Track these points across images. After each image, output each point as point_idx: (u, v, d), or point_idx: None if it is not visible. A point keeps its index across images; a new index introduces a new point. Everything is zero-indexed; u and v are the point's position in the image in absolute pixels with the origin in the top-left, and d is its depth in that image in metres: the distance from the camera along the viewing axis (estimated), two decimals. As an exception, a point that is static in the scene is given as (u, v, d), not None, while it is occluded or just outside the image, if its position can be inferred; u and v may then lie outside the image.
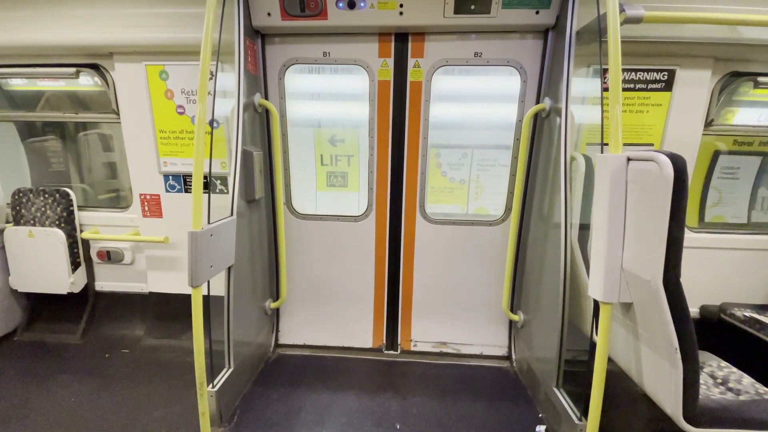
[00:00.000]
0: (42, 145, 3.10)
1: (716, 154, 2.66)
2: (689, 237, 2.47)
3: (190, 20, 2.29)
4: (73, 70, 2.58)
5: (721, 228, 2.65)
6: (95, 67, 2.58)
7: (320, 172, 2.69)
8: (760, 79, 2.30)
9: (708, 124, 2.37)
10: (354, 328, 2.83)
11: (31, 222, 2.79)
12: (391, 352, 2.80)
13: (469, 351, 2.77)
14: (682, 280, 1.34)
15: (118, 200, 3.11)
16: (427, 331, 2.80)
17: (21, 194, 2.80)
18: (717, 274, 2.56)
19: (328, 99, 2.60)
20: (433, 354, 2.78)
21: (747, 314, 2.29)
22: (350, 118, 2.60)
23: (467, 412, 2.19)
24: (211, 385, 1.97)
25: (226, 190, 2.67)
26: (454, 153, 2.60)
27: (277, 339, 2.84)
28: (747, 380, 1.69)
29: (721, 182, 2.73)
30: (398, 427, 2.07)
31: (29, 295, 2.96)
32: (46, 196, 2.77)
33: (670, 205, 1.26)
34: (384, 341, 2.83)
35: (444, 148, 2.59)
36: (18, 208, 2.80)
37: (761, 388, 1.64)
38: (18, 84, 2.86)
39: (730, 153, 2.65)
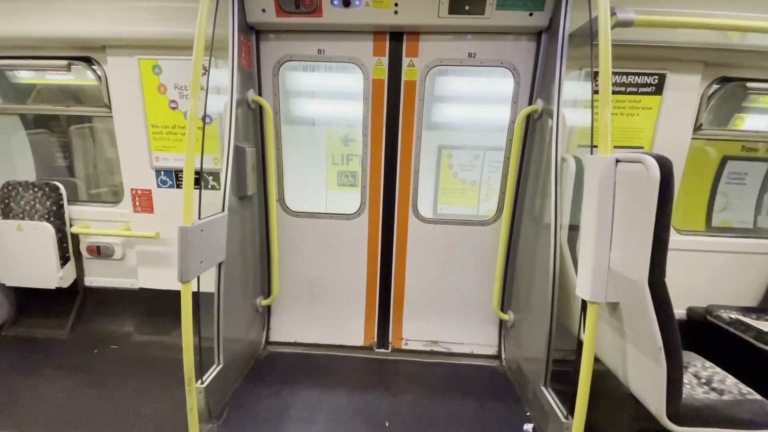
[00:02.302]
0: (47, 138, 3.06)
1: (724, 159, 2.70)
2: (677, 239, 2.51)
3: (184, 14, 2.28)
4: (64, 62, 2.55)
5: (709, 231, 2.69)
6: (87, 60, 2.56)
7: (331, 171, 2.69)
8: (749, 84, 2.34)
9: (697, 128, 2.40)
10: (345, 327, 2.83)
11: (20, 216, 2.76)
12: (383, 350, 2.81)
13: (459, 350, 2.78)
14: (669, 281, 1.35)
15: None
16: (419, 330, 2.81)
17: (10, 187, 2.76)
18: (704, 277, 2.59)
19: (341, 98, 2.60)
20: (423, 353, 2.79)
21: (733, 316, 2.33)
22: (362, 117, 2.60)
23: (457, 410, 2.20)
24: (200, 382, 1.96)
25: (218, 186, 2.66)
26: (465, 154, 2.62)
27: (267, 336, 2.84)
28: (731, 380, 1.72)
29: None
30: (388, 424, 2.07)
31: (17, 290, 2.92)
32: (36, 189, 2.74)
33: (656, 207, 1.28)
34: (375, 339, 2.83)
35: (456, 149, 2.61)
36: (7, 201, 2.76)
37: (744, 389, 1.66)
38: (24, 77, 2.83)
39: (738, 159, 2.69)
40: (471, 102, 2.61)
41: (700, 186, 2.77)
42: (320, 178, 2.73)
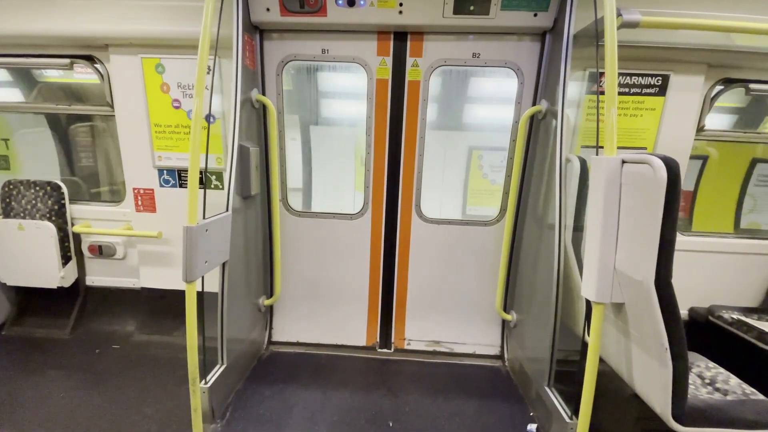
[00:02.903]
0: (73, 138, 3.03)
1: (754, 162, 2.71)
2: (680, 240, 2.51)
3: (188, 13, 2.27)
4: (67, 60, 2.54)
5: (711, 232, 2.70)
6: (90, 59, 2.55)
7: (359, 172, 2.69)
8: (752, 86, 2.35)
9: (699, 129, 2.41)
10: (348, 326, 2.83)
11: (22, 215, 2.75)
12: (385, 350, 2.81)
13: (462, 350, 2.78)
14: (672, 281, 1.36)
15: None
16: (421, 330, 2.81)
17: (11, 186, 2.75)
18: (706, 277, 2.60)
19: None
20: (426, 353, 2.79)
21: (735, 317, 2.34)
22: None
23: (459, 410, 2.21)
24: (203, 382, 1.96)
25: (221, 186, 2.65)
26: (496, 155, 2.62)
27: (270, 336, 2.83)
28: (734, 381, 1.72)
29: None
30: (391, 424, 2.07)
31: (18, 289, 2.91)
32: (37, 188, 2.73)
33: (663, 208, 1.28)
34: (378, 339, 2.83)
35: (487, 150, 2.63)
36: (8, 200, 2.75)
37: (748, 389, 1.67)
38: (53, 75, 2.83)
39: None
40: (503, 103, 2.61)
41: (729, 188, 2.78)
42: (348, 179, 2.75)
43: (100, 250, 2.87)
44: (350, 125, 2.76)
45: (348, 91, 2.70)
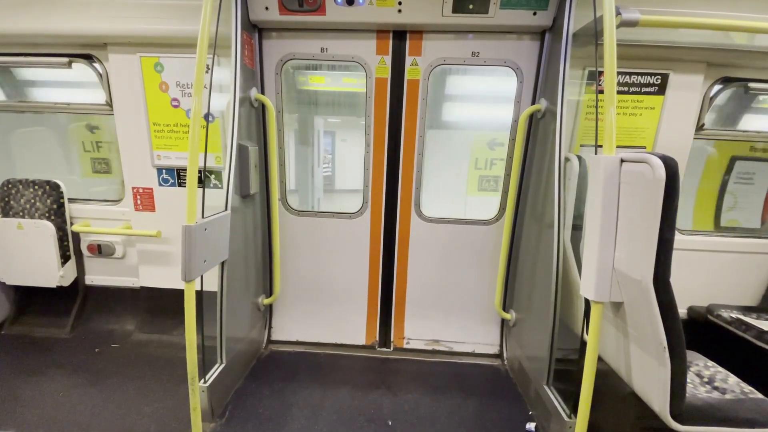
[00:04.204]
0: None
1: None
2: (678, 239, 2.51)
3: (186, 12, 2.27)
4: (65, 59, 2.54)
5: (710, 230, 2.70)
6: (88, 58, 2.55)
7: (472, 176, 2.66)
8: (752, 84, 2.35)
9: (699, 128, 2.41)
10: (347, 326, 2.83)
11: (21, 214, 2.75)
12: (384, 349, 2.81)
13: (461, 349, 2.78)
14: (671, 280, 1.36)
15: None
16: (420, 329, 2.81)
17: (10, 185, 2.75)
18: (705, 276, 2.60)
19: (491, 102, 2.57)
20: (425, 352, 2.79)
21: (733, 315, 2.34)
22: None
23: (459, 409, 2.21)
24: (203, 381, 1.96)
25: (220, 185, 2.65)
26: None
27: (269, 335, 2.83)
28: (733, 379, 1.72)
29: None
30: (390, 423, 2.08)
31: (17, 288, 2.91)
32: (36, 187, 2.73)
33: (662, 207, 1.28)
34: (377, 339, 2.83)
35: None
36: (7, 199, 2.75)
37: (746, 388, 1.67)
38: None
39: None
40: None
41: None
42: (460, 183, 2.71)
43: (99, 249, 2.87)
44: (469, 129, 2.69)
45: (473, 93, 2.63)
